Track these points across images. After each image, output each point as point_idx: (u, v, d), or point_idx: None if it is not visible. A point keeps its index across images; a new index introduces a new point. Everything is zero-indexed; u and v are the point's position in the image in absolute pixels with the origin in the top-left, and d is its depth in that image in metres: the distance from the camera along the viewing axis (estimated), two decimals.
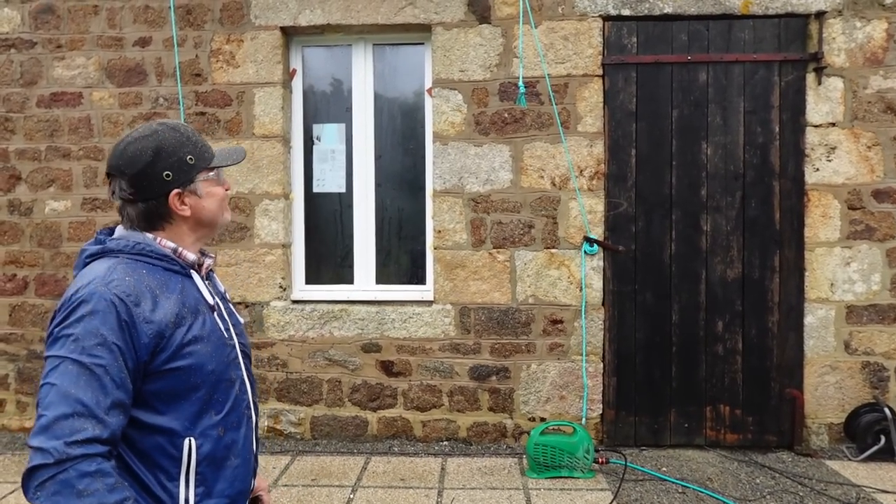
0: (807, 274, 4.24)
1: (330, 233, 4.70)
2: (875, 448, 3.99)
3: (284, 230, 4.49)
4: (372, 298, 4.51)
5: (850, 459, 4.07)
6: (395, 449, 4.30)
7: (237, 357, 1.49)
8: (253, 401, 1.53)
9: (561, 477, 3.83)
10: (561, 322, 4.33)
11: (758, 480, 3.82)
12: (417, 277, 4.63)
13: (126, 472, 1.29)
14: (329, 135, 4.68)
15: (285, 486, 3.75)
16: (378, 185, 4.64)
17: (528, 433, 4.22)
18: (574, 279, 4.31)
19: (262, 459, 4.15)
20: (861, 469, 3.93)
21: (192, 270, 1.46)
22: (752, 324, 4.27)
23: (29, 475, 1.14)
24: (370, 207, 4.62)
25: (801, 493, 3.62)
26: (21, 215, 4.57)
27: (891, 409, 4.04)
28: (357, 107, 4.61)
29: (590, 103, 4.30)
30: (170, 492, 1.33)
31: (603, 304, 4.32)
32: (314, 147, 4.68)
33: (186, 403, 1.34)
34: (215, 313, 1.47)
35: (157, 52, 4.47)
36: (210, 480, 1.38)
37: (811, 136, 4.23)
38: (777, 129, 4.25)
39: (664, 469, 3.97)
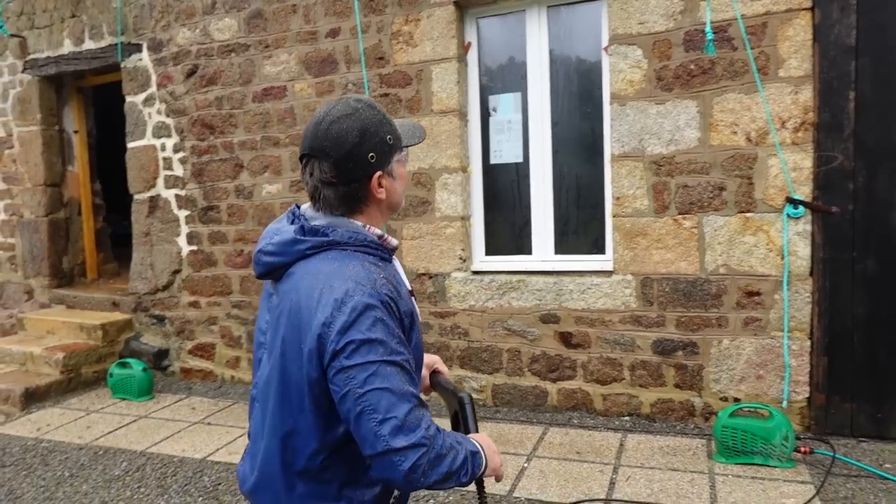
0: None
1: (508, 204, 4.72)
2: None
3: (463, 203, 4.61)
4: (549, 269, 4.46)
5: None
6: (574, 421, 4.26)
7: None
8: None
9: (754, 464, 3.49)
10: (758, 294, 3.89)
11: None
12: (597, 247, 4.47)
13: None
14: (505, 105, 4.66)
15: None
16: (555, 152, 4.53)
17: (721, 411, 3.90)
18: (774, 246, 3.83)
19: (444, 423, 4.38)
20: None
21: (392, 256, 1.47)
22: None
23: (412, 470, 1.21)
24: (547, 176, 4.54)
25: None
26: (245, 198, 5.28)
27: None
28: (532, 74, 4.53)
29: (795, 42, 3.73)
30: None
31: (810, 274, 3.79)
32: (490, 119, 4.70)
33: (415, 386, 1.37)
34: (413, 296, 1.48)
35: (345, 40, 4.81)
36: None
37: None
38: None
39: (888, 466, 3.42)
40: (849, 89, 3.67)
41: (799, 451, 3.47)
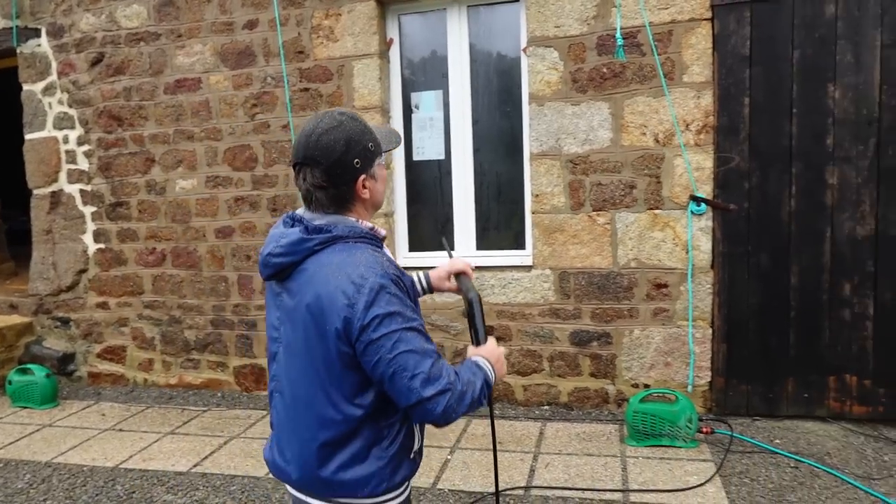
0: None
1: (431, 200, 4.79)
2: None
3: (386, 200, 4.63)
4: (472, 264, 4.55)
5: None
6: (496, 412, 4.39)
7: None
8: None
9: (661, 446, 3.73)
10: (666, 286, 4.14)
11: (886, 458, 3.50)
12: (517, 242, 4.61)
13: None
14: (427, 102, 4.72)
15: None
16: (476, 149, 4.63)
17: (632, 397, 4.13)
18: (680, 241, 4.09)
19: None
20: None
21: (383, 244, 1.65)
22: (886, 286, 3.84)
23: (445, 411, 1.44)
24: (469, 173, 4.64)
25: None
26: (157, 194, 5.08)
27: None
28: (453, 72, 4.60)
29: (697, 50, 3.98)
30: (411, 435, 1.64)
31: (712, 267, 4.08)
32: (413, 116, 4.74)
33: None
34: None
35: (263, 33, 4.71)
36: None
37: None
38: None
39: (777, 441, 3.75)
40: (744, 95, 3.96)
41: (702, 432, 3.74)
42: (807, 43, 3.86)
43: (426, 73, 4.71)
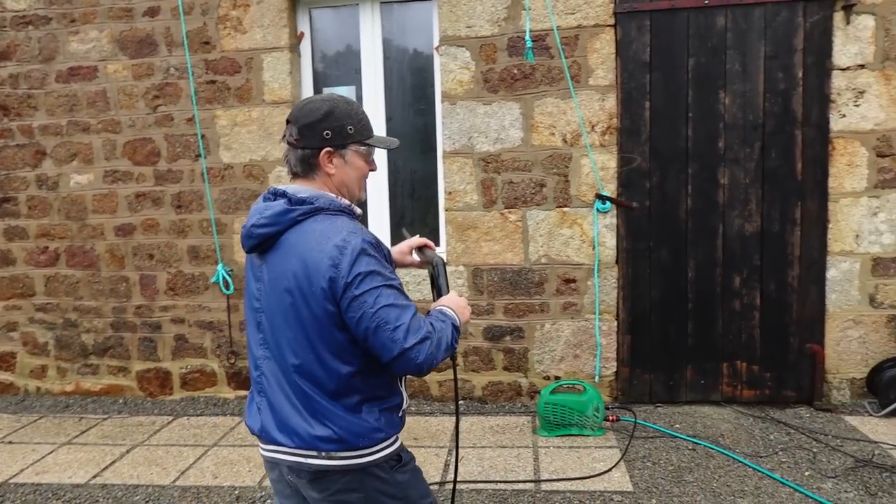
0: (830, 226, 4.08)
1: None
2: None
3: None
4: None
5: (871, 415, 3.99)
6: (412, 408, 4.41)
7: None
8: None
9: (571, 435, 3.88)
10: (574, 281, 4.30)
11: (772, 436, 3.80)
12: (432, 239, 4.62)
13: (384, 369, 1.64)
14: None
15: None
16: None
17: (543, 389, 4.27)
18: (587, 238, 4.26)
19: None
20: (881, 425, 3.86)
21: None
22: (771, 279, 4.16)
23: (427, 359, 1.53)
24: (382, 170, 4.62)
25: (814, 450, 3.58)
26: (49, 189, 4.75)
27: None
28: (366, 68, 4.57)
29: (601, 55, 4.15)
30: (398, 392, 1.72)
31: (616, 263, 4.27)
32: None
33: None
34: None
35: (166, 21, 4.49)
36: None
37: (837, 81, 4.00)
38: (800, 75, 4.04)
39: (677, 426, 3.98)
40: (645, 99, 4.17)
41: (608, 420, 3.92)
42: (700, 52, 4.11)
43: (339, 69, 4.66)
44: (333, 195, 1.67)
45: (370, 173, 1.77)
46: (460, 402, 4.48)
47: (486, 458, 3.63)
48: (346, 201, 1.69)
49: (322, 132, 1.63)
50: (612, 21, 4.13)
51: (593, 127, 4.20)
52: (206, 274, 4.66)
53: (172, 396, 4.81)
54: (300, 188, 1.66)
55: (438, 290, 1.85)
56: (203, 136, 4.54)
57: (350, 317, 1.53)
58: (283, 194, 1.64)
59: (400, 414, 1.72)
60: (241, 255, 4.58)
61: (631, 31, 4.14)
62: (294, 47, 4.51)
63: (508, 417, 4.22)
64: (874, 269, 4.07)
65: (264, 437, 1.68)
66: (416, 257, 2.05)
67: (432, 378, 4.50)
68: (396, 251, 2.03)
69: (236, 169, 4.54)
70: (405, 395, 1.76)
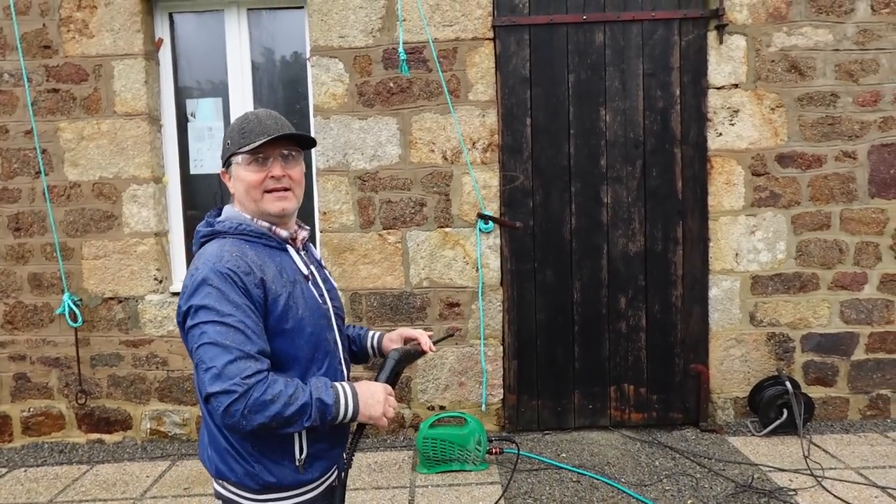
0: (711, 245, 4.06)
1: None
2: (778, 422, 3.88)
3: (157, 217, 4.11)
4: None
5: (753, 435, 3.96)
6: None
7: (331, 319, 1.69)
8: (344, 356, 1.72)
9: (452, 471, 3.62)
10: (458, 305, 4.08)
11: (657, 462, 3.68)
12: None
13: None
14: (205, 110, 4.28)
15: (153, 497, 3.47)
16: None
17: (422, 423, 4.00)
18: (470, 259, 4.05)
19: (136, 467, 3.86)
20: (762, 445, 3.82)
21: (287, 245, 1.64)
22: (655, 299, 4.08)
23: (227, 413, 1.38)
24: None
25: (697, 475, 3.48)
26: None
27: (793, 381, 3.92)
28: (233, 79, 4.22)
29: (481, 69, 3.98)
30: (290, 442, 1.55)
31: (501, 285, 4.09)
32: (189, 125, 4.28)
33: (296, 362, 1.54)
34: (310, 282, 1.65)
35: None
36: (313, 430, 1.54)
37: (713, 99, 4.00)
38: (678, 93, 4.01)
39: (563, 455, 3.80)
40: (526, 115, 4.03)
41: (491, 453, 3.69)
42: (581, 68, 4.01)
43: (204, 79, 4.28)
44: (249, 218, 1.61)
45: (273, 179, 1.57)
46: None
47: (357, 503, 3.31)
48: (265, 224, 1.60)
49: (222, 152, 1.64)
50: (490, 34, 3.97)
51: (474, 144, 4.01)
52: (50, 304, 4.14)
53: (12, 444, 4.23)
54: (230, 208, 1.65)
55: (378, 373, 1.70)
56: (44, 151, 4.04)
57: (188, 348, 1.49)
58: (218, 214, 1.67)
59: (297, 464, 1.55)
60: (90, 284, 4.09)
61: (510, 45, 3.99)
62: (151, 54, 4.10)
63: (389, 453, 3.92)
64: (753, 287, 4.07)
65: (201, 460, 1.67)
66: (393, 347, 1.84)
67: None
68: (387, 338, 1.89)
69: (84, 187, 4.06)
70: (303, 446, 1.55)
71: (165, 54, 4.20)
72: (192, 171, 4.29)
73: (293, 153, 1.62)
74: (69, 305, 4.07)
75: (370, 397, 1.55)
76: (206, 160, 4.29)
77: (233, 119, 1.76)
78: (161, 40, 4.17)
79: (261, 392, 1.39)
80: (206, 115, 4.27)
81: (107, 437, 4.21)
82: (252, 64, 4.21)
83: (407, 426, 4.15)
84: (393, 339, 1.86)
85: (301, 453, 1.54)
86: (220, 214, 1.65)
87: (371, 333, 1.92)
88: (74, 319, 4.08)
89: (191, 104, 4.27)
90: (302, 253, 1.70)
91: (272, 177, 1.56)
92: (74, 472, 3.87)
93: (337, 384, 1.52)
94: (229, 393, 1.37)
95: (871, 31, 3.91)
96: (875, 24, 3.91)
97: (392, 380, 1.69)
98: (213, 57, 4.24)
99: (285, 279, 1.55)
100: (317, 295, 1.64)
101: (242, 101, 4.20)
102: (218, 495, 1.61)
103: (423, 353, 1.82)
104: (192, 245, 1.64)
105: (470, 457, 3.62)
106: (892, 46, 3.94)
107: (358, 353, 1.91)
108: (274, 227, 1.60)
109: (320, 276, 1.72)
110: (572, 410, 4.15)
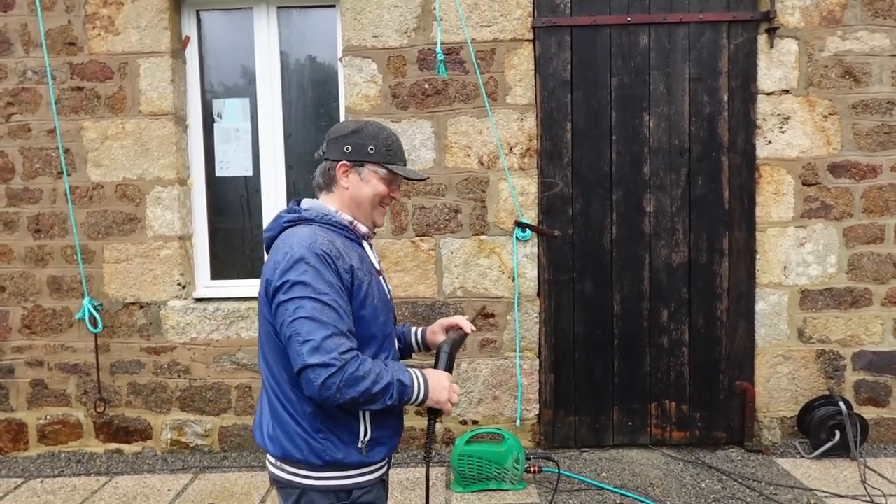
0: (758, 257, 3.88)
1: (236, 222, 4.20)
2: (829, 444, 3.70)
3: (181, 220, 3.97)
4: None
5: (802, 457, 3.77)
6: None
7: (394, 313, 1.83)
8: (394, 350, 1.79)
9: (489, 490, 3.45)
10: (493, 316, 3.91)
11: (703, 484, 3.50)
12: None
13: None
14: (232, 111, 4.14)
15: None
16: (289, 167, 4.13)
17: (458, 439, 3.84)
18: (506, 268, 3.89)
19: (156, 480, 3.70)
20: (814, 468, 3.63)
21: (363, 240, 1.76)
22: (699, 312, 3.91)
23: (324, 386, 1.45)
24: (281, 192, 4.12)
25: (748, 500, 3.29)
26: None
27: (846, 401, 3.73)
28: (262, 79, 4.08)
29: (519, 71, 3.83)
30: (357, 423, 1.63)
31: (538, 295, 3.92)
32: (215, 125, 4.14)
33: (367, 348, 1.62)
34: (381, 277, 1.79)
35: (22, 16, 3.86)
36: (378, 415, 1.65)
37: (763, 105, 3.83)
38: (726, 98, 3.84)
39: (604, 475, 3.63)
40: (566, 120, 3.87)
41: (529, 472, 3.51)
42: (624, 71, 3.85)
43: (231, 79, 4.14)
44: (334, 209, 1.70)
45: (391, 201, 1.78)
46: None
47: None
48: (348, 217, 1.70)
49: (343, 146, 1.69)
50: (530, 35, 3.82)
51: (511, 149, 3.86)
52: (69, 309, 4.00)
53: (28, 453, 4.09)
54: (311, 200, 1.74)
55: (436, 360, 1.77)
56: (67, 151, 3.91)
57: (277, 322, 1.54)
58: (297, 202, 1.74)
59: (360, 445, 1.62)
60: (111, 288, 3.95)
61: (551, 46, 3.84)
62: (177, 53, 3.96)
63: (421, 469, 3.76)
64: (802, 301, 3.88)
65: (259, 443, 1.70)
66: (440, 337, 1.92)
67: None
68: (430, 330, 1.95)
69: (107, 189, 3.93)
70: (368, 428, 1.63)
71: (192, 53, 4.07)
72: (218, 173, 4.15)
73: None
74: (89, 310, 3.92)
75: (437, 383, 1.66)
76: (232, 162, 4.15)
77: (388, 131, 1.74)
78: (188, 38, 4.04)
79: (354, 368, 1.48)
80: (232, 116, 4.13)
81: (126, 448, 4.06)
82: (281, 64, 4.07)
83: (438, 440, 3.98)
84: (436, 332, 1.94)
85: (365, 436, 1.62)
86: (298, 204, 1.73)
87: (414, 329, 2.00)
88: (94, 325, 3.93)
89: (217, 104, 4.14)
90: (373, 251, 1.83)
91: (392, 197, 1.76)
92: (93, 483, 3.72)
93: (409, 369, 1.63)
94: (328, 366, 1.44)
95: None
96: None
97: (449, 368, 1.76)
98: (241, 56, 4.10)
99: (365, 269, 1.66)
100: (386, 290, 1.79)
101: (271, 102, 4.06)
102: (275, 479, 1.67)
103: (466, 335, 1.89)
104: (266, 230, 1.73)
105: (508, 475, 3.45)
106: None
107: (402, 348, 1.97)
108: (355, 222, 1.71)
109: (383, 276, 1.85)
110: (611, 427, 3.97)
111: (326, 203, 1.72)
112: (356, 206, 1.71)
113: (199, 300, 4.06)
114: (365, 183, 1.70)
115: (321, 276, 1.51)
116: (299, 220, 1.66)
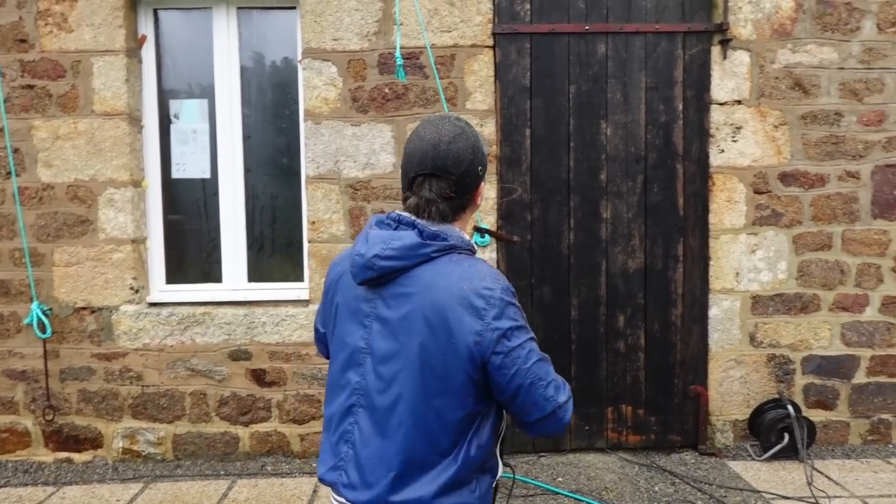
0: (711, 263, 3.96)
1: (194, 225, 4.13)
2: (778, 447, 3.78)
3: (135, 223, 3.89)
4: (241, 299, 3.99)
5: (753, 459, 3.85)
6: (269, 468, 3.83)
7: None
8: None
9: None
10: None
11: (657, 487, 3.54)
12: (296, 274, 4.12)
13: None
14: (189, 112, 4.08)
15: None
16: (247, 169, 4.08)
17: None
18: None
19: (106, 490, 3.61)
20: (763, 470, 3.71)
21: None
22: (654, 318, 3.97)
23: (568, 420, 1.46)
24: (239, 195, 4.07)
25: (698, 503, 3.35)
26: None
27: (795, 404, 3.82)
28: (220, 80, 4.03)
29: (479, 77, 3.85)
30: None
31: None
32: (172, 126, 4.08)
33: None
34: None
35: None
36: None
37: (716, 115, 3.91)
38: (681, 107, 3.92)
39: (559, 479, 3.65)
40: (526, 126, 3.90)
41: None
42: (582, 79, 3.90)
43: (190, 80, 4.08)
44: (459, 231, 1.51)
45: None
46: None
47: None
48: (468, 238, 1.53)
49: (477, 171, 1.49)
50: (490, 42, 3.85)
51: None
52: (17, 314, 3.89)
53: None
54: (437, 224, 1.46)
55: None
56: (16, 151, 3.81)
57: (503, 372, 1.38)
58: (411, 224, 1.44)
59: (494, 485, 1.56)
60: (61, 292, 3.85)
61: (511, 53, 3.87)
62: (133, 52, 3.90)
63: None
64: (754, 307, 3.97)
65: (347, 494, 1.46)
66: None
67: (293, 431, 3.95)
68: None
69: (58, 190, 3.83)
70: (500, 464, 1.58)
71: (149, 52, 4.00)
72: (175, 174, 4.08)
73: None
74: (38, 315, 3.82)
75: None
76: (189, 164, 4.08)
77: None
78: (144, 37, 3.97)
79: (568, 390, 1.49)
80: (190, 117, 4.07)
81: (76, 457, 3.96)
82: (241, 65, 4.03)
83: None
84: None
85: (500, 470, 1.59)
86: (413, 225, 1.45)
87: None
88: (43, 330, 3.83)
89: (175, 105, 4.07)
90: None
91: None
92: (39, 493, 3.61)
93: None
94: (570, 398, 1.47)
95: (877, 50, 3.87)
96: (881, 44, 3.87)
97: None
98: (199, 57, 4.05)
99: None
100: None
101: (230, 103, 4.01)
102: None
103: None
104: (403, 256, 1.40)
105: None
106: None
107: None
108: (471, 242, 1.58)
109: None
110: (568, 432, 4.00)
111: (453, 225, 1.52)
112: (468, 221, 1.60)
113: (152, 304, 3.98)
114: (480, 197, 1.57)
115: (523, 315, 1.45)
116: (450, 249, 1.45)
